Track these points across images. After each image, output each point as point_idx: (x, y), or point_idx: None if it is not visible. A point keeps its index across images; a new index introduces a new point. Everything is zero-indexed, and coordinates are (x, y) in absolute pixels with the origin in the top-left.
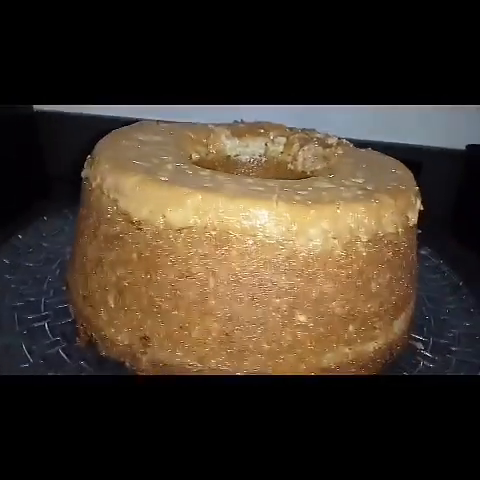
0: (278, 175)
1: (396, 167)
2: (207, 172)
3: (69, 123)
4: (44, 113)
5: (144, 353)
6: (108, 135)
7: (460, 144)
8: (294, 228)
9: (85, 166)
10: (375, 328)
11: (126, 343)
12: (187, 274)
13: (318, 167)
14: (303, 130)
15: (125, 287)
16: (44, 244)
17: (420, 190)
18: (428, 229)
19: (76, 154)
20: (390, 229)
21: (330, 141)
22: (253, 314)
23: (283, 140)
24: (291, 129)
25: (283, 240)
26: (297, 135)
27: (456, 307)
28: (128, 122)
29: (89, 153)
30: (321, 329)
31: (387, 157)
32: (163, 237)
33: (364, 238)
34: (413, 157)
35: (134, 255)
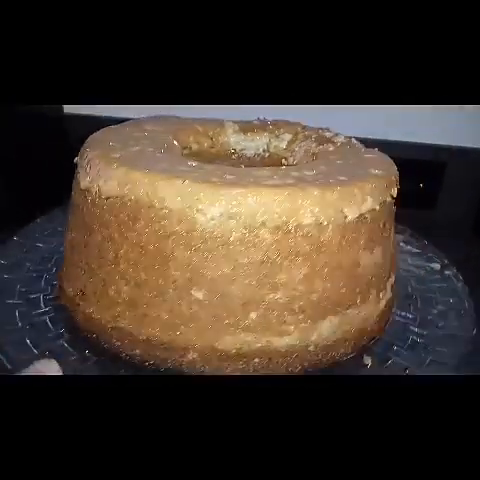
0: None
1: (381, 167)
2: (162, 155)
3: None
4: (74, 115)
5: (78, 305)
6: (125, 122)
7: None
8: (198, 206)
9: None
10: (285, 322)
11: (71, 294)
12: (108, 239)
13: (304, 162)
14: (316, 129)
15: (73, 247)
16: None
17: (444, 190)
18: (451, 228)
19: None
20: (307, 220)
21: (336, 140)
22: (155, 283)
23: (288, 137)
24: (304, 127)
25: (184, 216)
26: (305, 133)
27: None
28: None
29: None
30: (218, 310)
31: (384, 159)
32: (96, 204)
33: (270, 225)
34: (437, 157)
35: (80, 220)
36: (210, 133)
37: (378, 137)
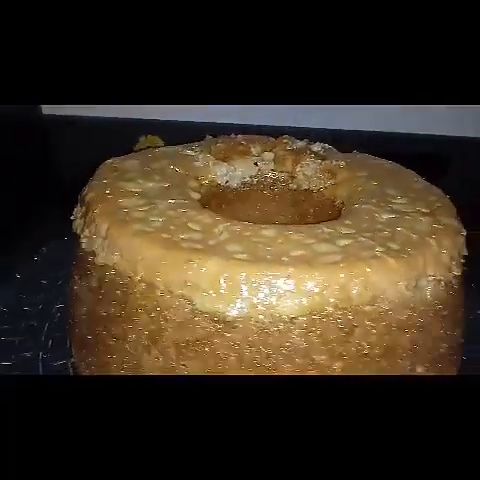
0: (282, 198)
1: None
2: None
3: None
4: (53, 116)
5: None
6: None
7: None
8: None
9: None
10: None
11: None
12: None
13: (327, 184)
14: (281, 137)
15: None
16: None
17: (448, 184)
18: None
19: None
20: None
21: (315, 149)
22: None
23: (270, 156)
24: (269, 138)
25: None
26: (282, 147)
27: None
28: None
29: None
30: None
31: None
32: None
33: None
34: (440, 149)
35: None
36: (189, 173)
37: (376, 129)
